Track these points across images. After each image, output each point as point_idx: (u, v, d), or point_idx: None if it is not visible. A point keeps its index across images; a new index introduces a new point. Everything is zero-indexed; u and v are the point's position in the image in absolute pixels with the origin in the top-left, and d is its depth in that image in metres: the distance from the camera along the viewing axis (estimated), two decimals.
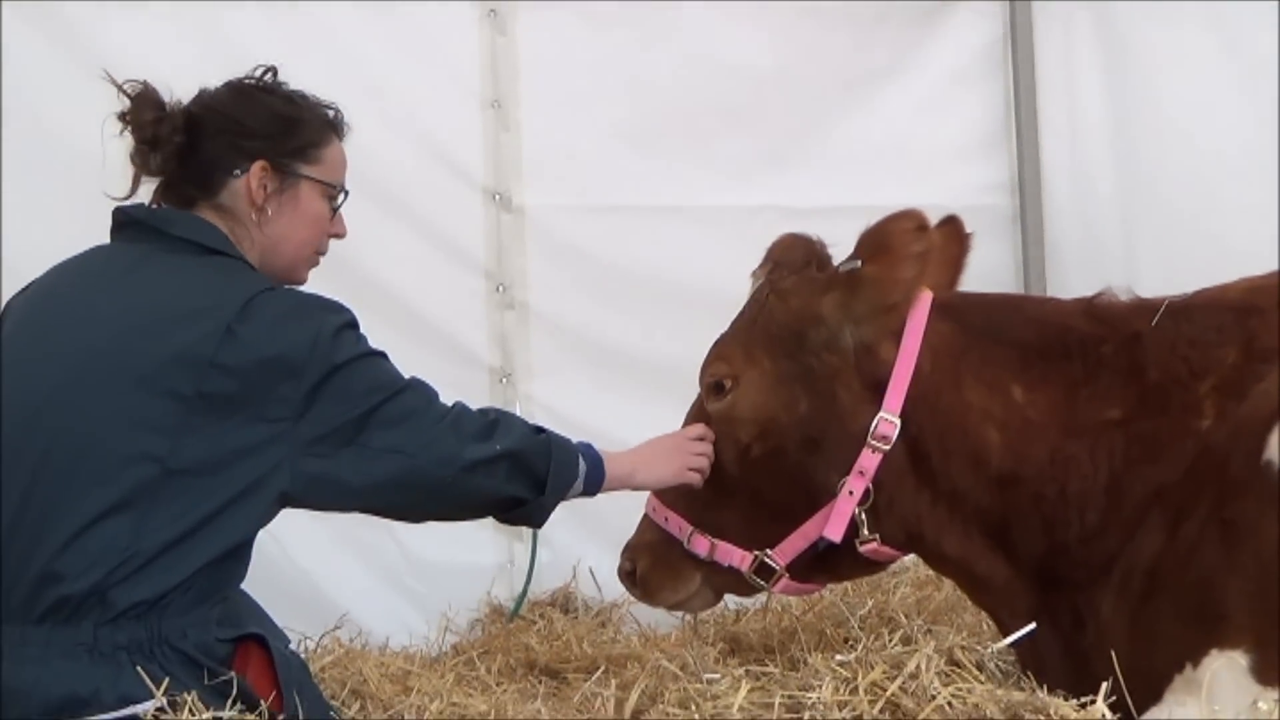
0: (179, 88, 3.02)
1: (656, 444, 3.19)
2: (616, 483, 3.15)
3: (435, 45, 4.77)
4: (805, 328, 3.04)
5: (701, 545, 3.14)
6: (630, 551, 3.28)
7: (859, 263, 2.99)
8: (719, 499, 3.14)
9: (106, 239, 3.02)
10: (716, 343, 3.19)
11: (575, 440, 3.10)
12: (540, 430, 3.05)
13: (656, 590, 3.27)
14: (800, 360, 3.04)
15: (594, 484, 3.09)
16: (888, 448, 2.94)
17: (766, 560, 3.09)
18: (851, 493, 2.97)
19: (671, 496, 3.19)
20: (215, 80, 3.07)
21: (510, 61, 4.83)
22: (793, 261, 3.13)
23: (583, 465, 3.05)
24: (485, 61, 4.82)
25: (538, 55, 4.85)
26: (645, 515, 3.27)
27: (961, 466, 2.94)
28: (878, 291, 2.96)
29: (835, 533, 2.99)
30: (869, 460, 2.95)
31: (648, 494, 3.26)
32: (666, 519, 3.19)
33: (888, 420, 2.94)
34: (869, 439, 2.95)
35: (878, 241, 2.97)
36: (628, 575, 3.28)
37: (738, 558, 3.11)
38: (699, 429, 3.17)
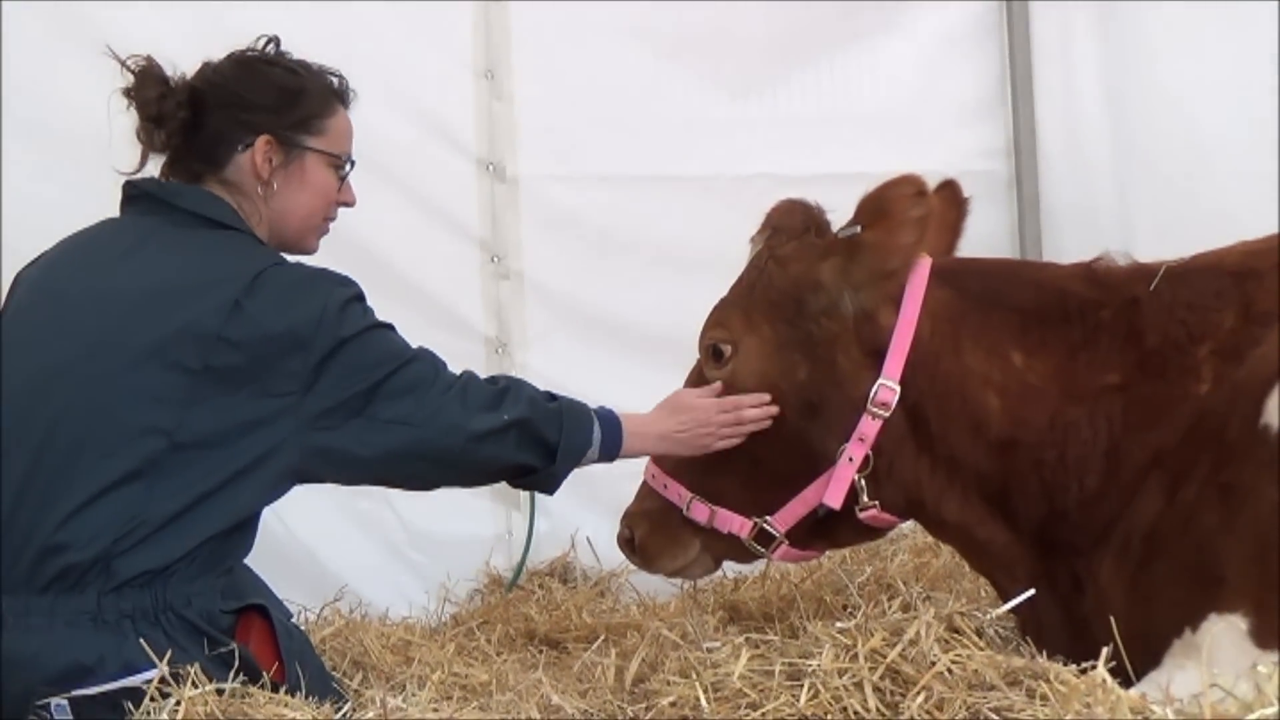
0: (178, 61, 3.01)
1: (683, 414, 3.11)
2: (637, 451, 3.15)
3: (427, 15, 4.74)
4: (805, 294, 3.03)
5: (701, 512, 3.14)
6: (629, 519, 3.28)
7: (858, 228, 2.98)
8: (718, 466, 3.13)
9: (106, 213, 3.02)
10: (715, 309, 3.19)
11: (594, 406, 3.10)
12: (553, 397, 3.04)
13: (656, 557, 3.28)
14: (800, 326, 3.04)
15: (611, 450, 3.08)
16: (887, 414, 2.95)
17: (766, 527, 3.09)
18: (851, 459, 2.97)
19: (671, 463, 3.19)
20: (210, 55, 3.06)
21: (503, 31, 4.81)
22: (791, 227, 3.12)
23: (598, 432, 3.04)
24: (478, 31, 4.79)
25: (530, 25, 4.83)
26: (644, 482, 3.27)
27: (961, 432, 2.94)
28: (877, 257, 2.96)
29: (835, 499, 2.99)
30: (869, 427, 2.95)
31: (646, 461, 3.25)
32: (665, 486, 3.19)
33: (887, 387, 2.94)
34: (869, 405, 2.95)
35: (877, 207, 2.97)
36: (627, 542, 3.29)
37: (737, 524, 3.11)
38: (730, 401, 3.08)
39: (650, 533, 3.25)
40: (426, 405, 2.85)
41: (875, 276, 2.97)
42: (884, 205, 2.96)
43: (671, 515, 3.20)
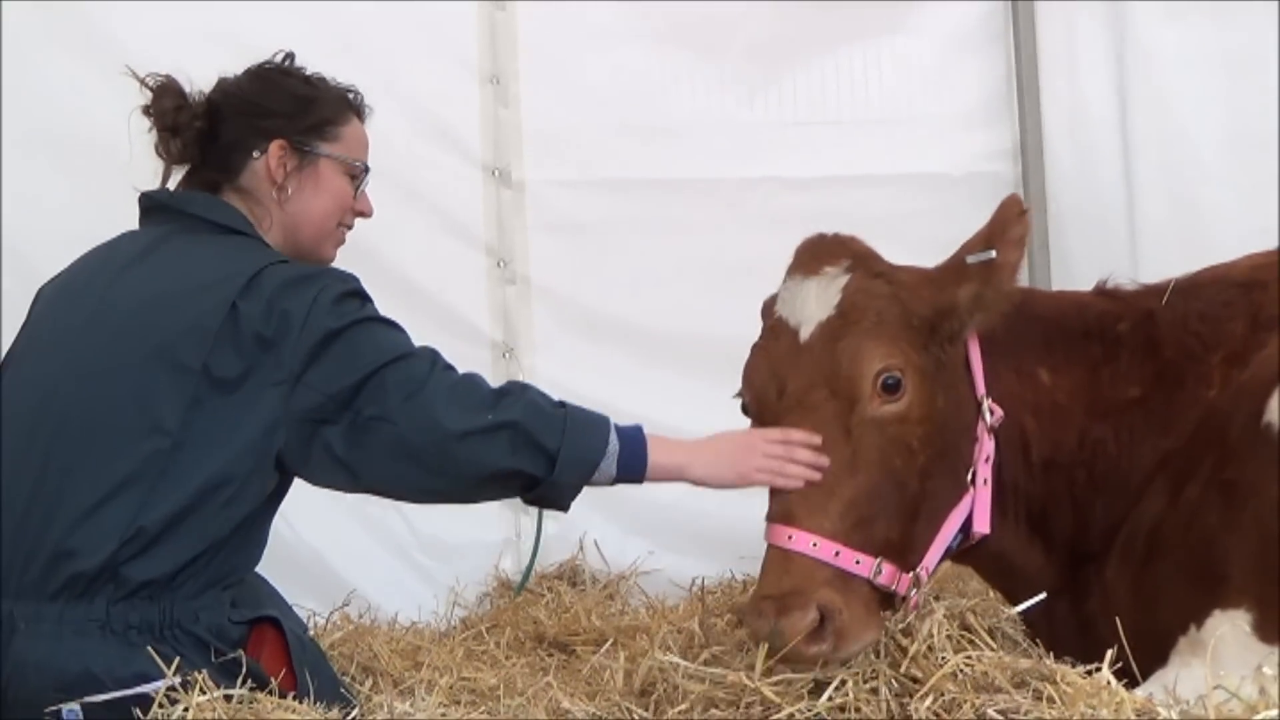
0: (183, 68, 3.03)
1: (724, 440, 2.88)
2: (665, 473, 2.86)
3: (434, 21, 4.75)
4: (940, 320, 2.86)
5: (889, 575, 2.71)
6: (814, 599, 2.63)
7: (992, 253, 2.85)
8: (890, 515, 2.76)
9: (107, 222, 3.04)
10: (861, 337, 2.84)
11: (626, 424, 2.86)
12: (562, 405, 2.84)
13: (855, 639, 2.64)
14: (931, 353, 2.86)
15: (632, 468, 2.83)
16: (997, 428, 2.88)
17: (921, 574, 2.77)
18: (986, 480, 2.85)
19: (840, 527, 2.70)
20: (213, 63, 3.08)
21: (509, 37, 4.82)
22: (866, 255, 2.96)
23: (614, 443, 2.80)
24: (484, 37, 4.81)
25: (535, 30, 4.84)
26: (784, 552, 2.69)
27: (1012, 455, 2.90)
28: (1007, 279, 2.85)
29: (984, 524, 2.83)
30: (989, 446, 2.86)
31: (773, 526, 2.75)
32: (837, 553, 2.67)
33: (993, 406, 2.87)
34: (988, 425, 2.86)
35: (998, 230, 2.88)
36: (816, 632, 2.62)
37: (904, 582, 2.73)
38: (779, 432, 2.78)
39: (847, 610, 2.65)
40: (408, 402, 2.72)
41: (1005, 299, 2.86)
42: (1003, 228, 2.87)
43: (856, 585, 2.68)
